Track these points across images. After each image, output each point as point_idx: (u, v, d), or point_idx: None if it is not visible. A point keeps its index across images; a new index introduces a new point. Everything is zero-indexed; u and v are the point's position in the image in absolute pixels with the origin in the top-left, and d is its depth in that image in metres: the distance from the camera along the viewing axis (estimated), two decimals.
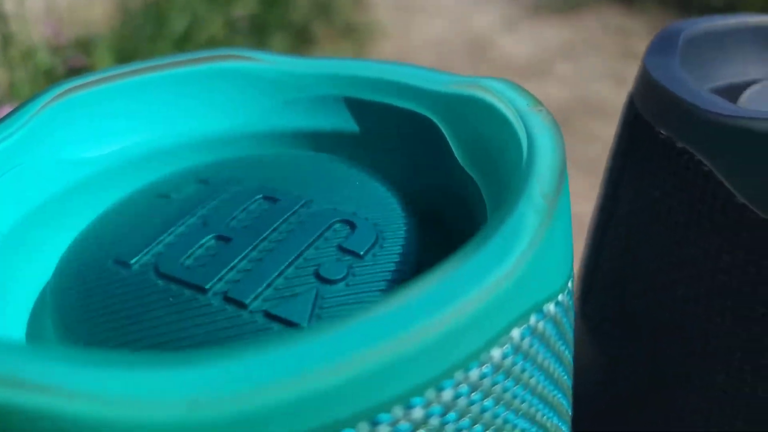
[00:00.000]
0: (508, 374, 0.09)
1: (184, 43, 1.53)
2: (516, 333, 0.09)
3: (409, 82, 0.15)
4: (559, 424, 0.12)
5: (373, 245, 0.12)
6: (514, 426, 0.10)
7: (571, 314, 0.11)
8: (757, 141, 0.13)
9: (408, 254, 0.12)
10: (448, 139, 0.14)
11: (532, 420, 0.10)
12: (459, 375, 0.08)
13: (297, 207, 0.13)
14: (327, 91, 0.16)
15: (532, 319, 0.09)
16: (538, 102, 0.12)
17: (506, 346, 0.09)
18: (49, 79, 1.23)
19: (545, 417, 0.11)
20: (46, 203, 0.14)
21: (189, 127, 0.16)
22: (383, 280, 0.11)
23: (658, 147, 0.15)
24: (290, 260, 0.12)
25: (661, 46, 0.18)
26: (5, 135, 0.13)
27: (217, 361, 0.07)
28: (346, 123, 0.16)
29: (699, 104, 0.14)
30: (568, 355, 0.12)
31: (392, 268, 0.11)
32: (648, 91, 0.16)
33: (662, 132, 0.15)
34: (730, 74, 0.21)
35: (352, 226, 0.12)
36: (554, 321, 0.10)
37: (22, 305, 0.13)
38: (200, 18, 1.60)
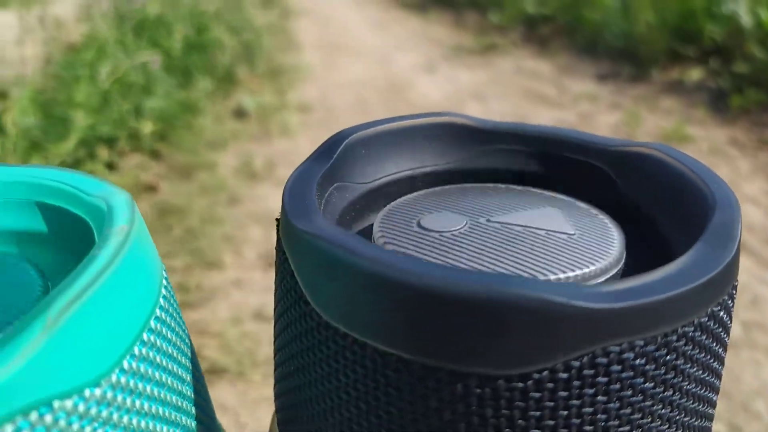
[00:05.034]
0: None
1: (105, 86, 1.56)
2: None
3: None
4: None
5: None
6: None
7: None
8: (307, 251, 0.17)
9: None
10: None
11: None
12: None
13: None
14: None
15: None
16: None
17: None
18: None
19: None
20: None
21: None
22: None
23: (279, 250, 0.20)
24: None
25: (312, 157, 0.22)
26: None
27: None
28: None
29: (289, 215, 0.18)
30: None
31: None
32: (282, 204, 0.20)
33: (281, 242, 0.19)
34: (390, 170, 0.26)
35: None
36: None
37: None
38: (121, 62, 1.64)
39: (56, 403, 0.14)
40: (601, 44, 2.24)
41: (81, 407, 0.15)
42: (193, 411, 0.20)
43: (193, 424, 0.20)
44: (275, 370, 0.23)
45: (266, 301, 0.85)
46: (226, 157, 1.42)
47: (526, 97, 1.89)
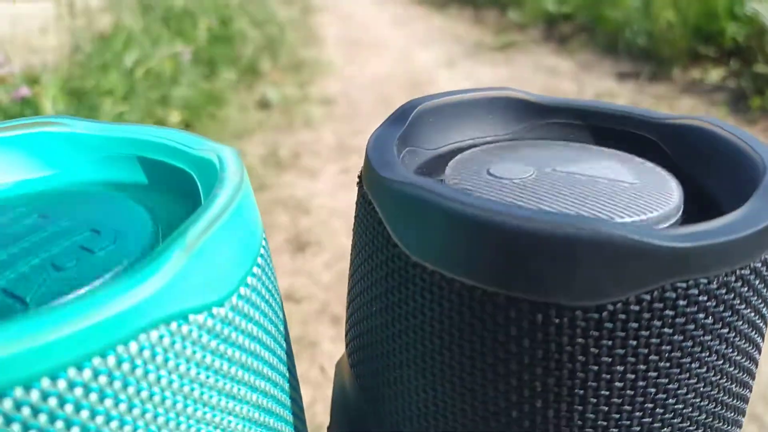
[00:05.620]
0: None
1: (132, 75, 1.59)
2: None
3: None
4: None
5: (108, 245, 0.20)
6: None
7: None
8: (397, 197, 0.19)
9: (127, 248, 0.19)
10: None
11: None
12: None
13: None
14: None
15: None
16: None
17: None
18: None
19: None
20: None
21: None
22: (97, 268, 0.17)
23: (365, 202, 0.22)
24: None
25: (388, 122, 0.25)
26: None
27: None
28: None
29: (376, 168, 0.20)
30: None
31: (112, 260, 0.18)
32: (366, 160, 0.21)
33: (365, 191, 0.21)
34: (454, 138, 0.28)
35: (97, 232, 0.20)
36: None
37: None
38: (148, 52, 1.67)
39: (191, 317, 0.16)
40: (621, 43, 2.24)
41: (209, 323, 0.17)
42: (285, 346, 0.22)
43: (284, 355, 0.22)
44: (350, 316, 0.25)
45: (294, 283, 0.87)
46: (252, 146, 1.44)
47: (546, 93, 1.89)
